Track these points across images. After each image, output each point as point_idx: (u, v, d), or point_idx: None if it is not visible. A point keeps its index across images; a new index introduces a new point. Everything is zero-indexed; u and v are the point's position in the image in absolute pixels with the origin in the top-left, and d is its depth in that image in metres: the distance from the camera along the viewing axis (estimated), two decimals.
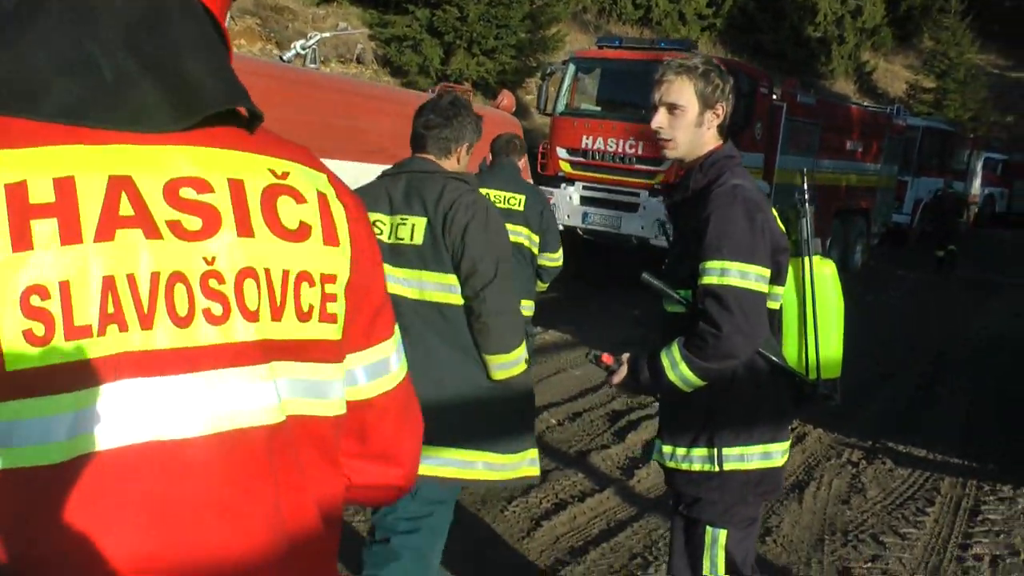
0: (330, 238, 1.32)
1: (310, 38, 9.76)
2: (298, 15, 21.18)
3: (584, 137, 14.73)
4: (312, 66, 9.78)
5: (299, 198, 1.29)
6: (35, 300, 1.07)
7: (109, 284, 1.11)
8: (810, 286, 3.18)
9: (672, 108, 3.14)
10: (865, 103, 25.69)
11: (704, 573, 3.26)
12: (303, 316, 1.27)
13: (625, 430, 7.53)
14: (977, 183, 30.74)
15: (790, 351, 3.25)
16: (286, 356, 1.26)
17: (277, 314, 1.24)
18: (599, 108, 15.62)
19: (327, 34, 11.42)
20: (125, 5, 1.19)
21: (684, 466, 3.26)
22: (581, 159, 14.74)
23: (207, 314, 1.18)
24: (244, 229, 1.22)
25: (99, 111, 1.14)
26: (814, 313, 3.16)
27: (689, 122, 3.13)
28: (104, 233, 1.12)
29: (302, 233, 1.28)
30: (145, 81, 1.17)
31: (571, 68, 15.59)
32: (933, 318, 14.35)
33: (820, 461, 7.30)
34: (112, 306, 1.11)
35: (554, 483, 6.26)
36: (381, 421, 1.47)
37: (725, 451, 3.17)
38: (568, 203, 14.67)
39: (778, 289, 3.17)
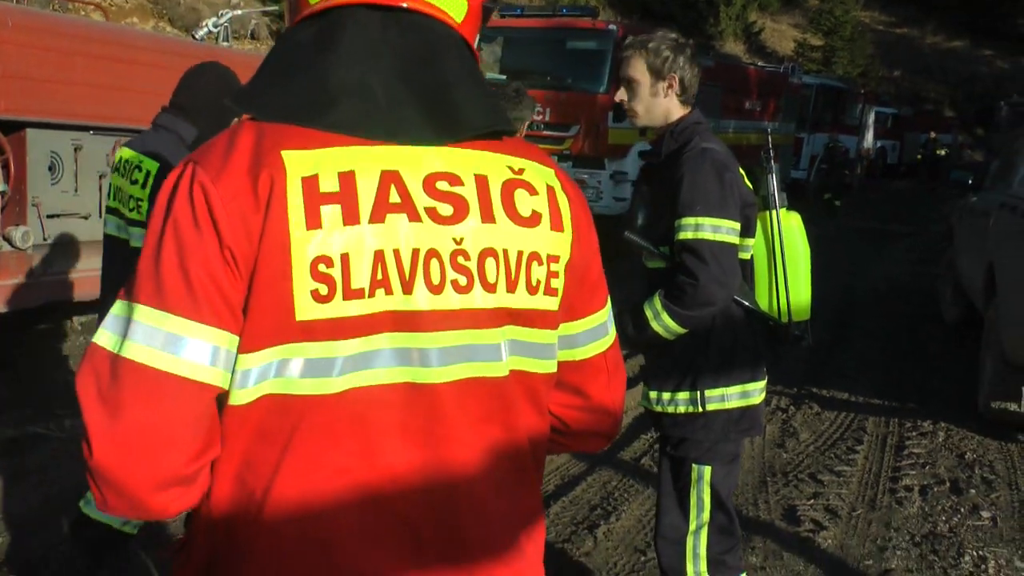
0: (556, 224, 1.57)
1: (222, 15, 9.65)
2: None
3: None
4: (225, 44, 9.70)
5: (532, 190, 1.55)
6: (322, 267, 1.36)
7: (379, 257, 1.39)
8: (778, 237, 3.45)
9: (629, 82, 3.46)
10: (757, 63, 26.18)
11: (691, 507, 3.50)
12: (532, 290, 1.53)
13: None
14: (870, 136, 31.63)
15: (762, 297, 3.52)
16: (515, 322, 1.53)
17: (512, 287, 1.50)
18: (504, 77, 15.72)
19: (239, 12, 11.29)
20: (403, 44, 1.47)
21: (670, 409, 3.48)
22: None
23: (455, 284, 1.45)
24: (487, 216, 1.49)
25: (371, 126, 1.42)
26: (783, 262, 3.44)
27: (644, 94, 3.43)
28: (377, 216, 1.40)
29: (534, 220, 1.53)
30: (411, 105, 1.45)
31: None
32: (837, 268, 14.81)
33: None
34: (380, 274, 1.39)
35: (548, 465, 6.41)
36: (596, 377, 1.74)
37: (707, 392, 3.42)
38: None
39: (749, 241, 3.45)
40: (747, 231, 3.41)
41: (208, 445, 1.38)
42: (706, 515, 3.49)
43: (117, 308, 1.38)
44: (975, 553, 5.18)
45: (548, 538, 4.99)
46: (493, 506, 1.55)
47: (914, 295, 13.16)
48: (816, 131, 26.03)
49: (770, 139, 3.47)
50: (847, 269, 14.87)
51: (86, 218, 7.00)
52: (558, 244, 1.57)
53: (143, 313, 1.34)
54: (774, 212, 3.50)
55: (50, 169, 6.68)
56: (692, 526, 3.51)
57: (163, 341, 1.33)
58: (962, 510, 5.79)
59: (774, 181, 3.50)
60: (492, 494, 1.54)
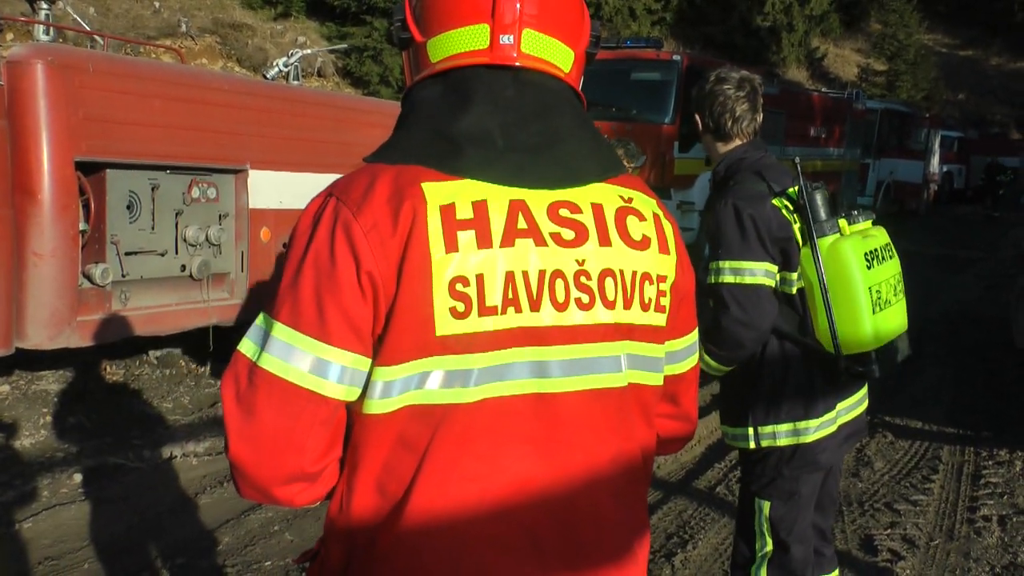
0: (663, 248, 1.72)
1: (291, 55, 9.84)
2: (256, 31, 21.21)
3: None
4: (295, 83, 9.88)
5: (640, 217, 1.70)
6: (459, 287, 1.51)
7: (510, 278, 1.54)
8: (816, 268, 3.26)
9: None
10: (821, 89, 26.03)
11: (755, 538, 3.56)
12: (645, 307, 1.68)
13: None
14: (935, 161, 31.19)
15: (819, 330, 3.34)
16: (632, 337, 1.67)
17: (628, 304, 1.65)
18: None
19: (308, 51, 11.49)
20: (519, 99, 1.63)
21: (734, 444, 3.59)
22: None
23: (578, 302, 1.59)
24: (604, 240, 1.63)
25: (493, 172, 1.58)
26: (826, 294, 3.24)
27: (701, 133, 3.62)
28: (507, 241, 1.55)
29: (644, 243, 1.69)
30: (529, 154, 1.61)
31: None
32: (909, 293, 14.61)
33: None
34: (511, 293, 1.54)
35: None
36: (689, 388, 1.92)
37: (760, 429, 3.45)
38: None
39: (791, 275, 3.36)
40: (788, 265, 3.35)
41: (330, 448, 1.56)
42: (768, 548, 3.53)
43: (260, 320, 1.56)
44: None
45: None
46: (611, 513, 1.67)
47: (985, 321, 12.95)
48: (881, 156, 25.76)
49: (799, 168, 3.34)
50: (916, 295, 14.58)
51: (163, 255, 7.16)
52: (665, 265, 1.72)
53: (280, 330, 1.52)
54: (813, 243, 3.27)
55: (128, 208, 6.84)
56: (757, 555, 3.56)
57: (295, 357, 1.50)
58: None
59: (817, 209, 3.29)
60: (611, 501, 1.66)
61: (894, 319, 3.41)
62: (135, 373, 8.12)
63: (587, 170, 1.67)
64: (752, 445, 3.47)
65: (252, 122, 7.84)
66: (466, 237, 1.52)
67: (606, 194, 1.67)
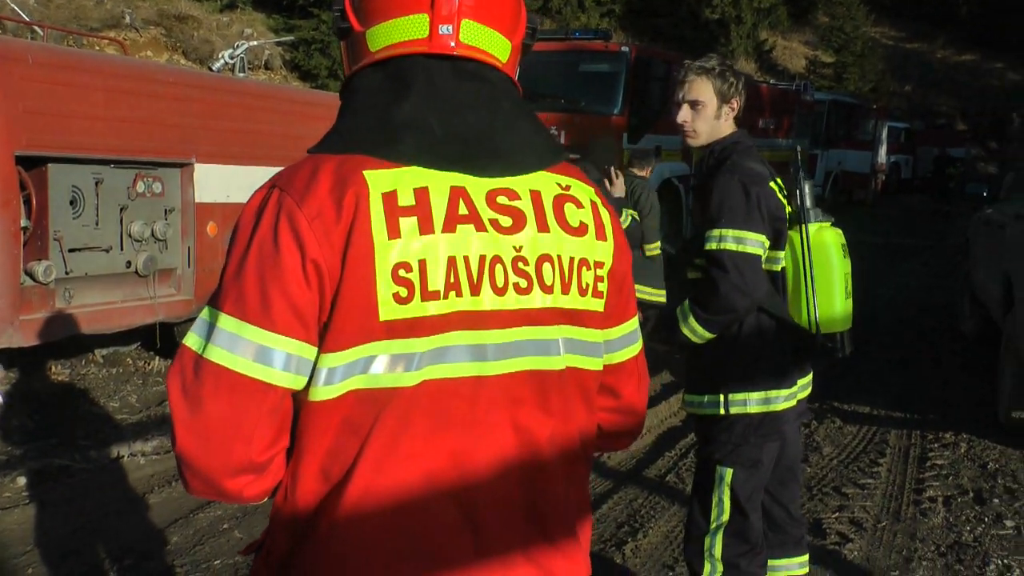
0: (600, 235, 1.76)
1: (237, 47, 9.78)
2: (202, 23, 21.01)
3: None
4: (240, 75, 9.81)
5: (578, 204, 1.74)
6: (402, 272, 1.53)
7: (452, 263, 1.57)
8: (806, 251, 3.54)
9: (694, 104, 3.62)
10: (770, 81, 26.24)
11: (712, 507, 3.64)
12: (582, 292, 1.71)
13: None
14: (883, 152, 31.56)
15: (795, 309, 3.62)
16: (570, 321, 1.70)
17: (566, 289, 1.68)
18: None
19: (254, 43, 11.41)
20: (458, 88, 1.66)
21: (699, 410, 3.69)
22: None
23: (516, 287, 1.63)
24: (542, 226, 1.67)
25: (433, 158, 1.60)
26: (811, 275, 3.54)
27: (709, 116, 3.62)
28: (449, 227, 1.57)
29: (582, 230, 1.72)
30: (467, 143, 1.63)
31: None
32: (857, 281, 14.75)
33: None
34: (453, 278, 1.57)
35: None
36: (630, 380, 1.93)
37: (731, 396, 3.58)
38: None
39: (779, 254, 3.60)
40: (777, 244, 3.56)
41: (278, 437, 1.57)
42: (725, 516, 3.61)
43: (204, 313, 1.56)
44: (1000, 562, 5.17)
45: None
46: (550, 495, 1.69)
47: (932, 308, 13.15)
48: (830, 147, 26.02)
49: (799, 155, 3.58)
50: (865, 283, 14.79)
51: (107, 251, 7.08)
52: (602, 252, 1.75)
53: (225, 321, 1.53)
54: (804, 227, 3.58)
55: (71, 203, 6.76)
56: (712, 526, 3.64)
57: (241, 347, 1.51)
58: (986, 520, 5.78)
59: (805, 197, 3.60)
60: (548, 483, 1.68)
61: (851, 309, 3.72)
62: (81, 372, 8.03)
63: (526, 158, 1.70)
64: (721, 412, 3.59)
65: (198, 115, 7.77)
66: (408, 223, 1.54)
67: (544, 182, 1.71)
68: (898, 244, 20.61)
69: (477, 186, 1.62)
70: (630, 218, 7.89)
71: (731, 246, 3.41)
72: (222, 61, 9.68)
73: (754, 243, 3.42)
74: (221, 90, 8.37)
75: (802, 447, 3.92)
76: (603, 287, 1.75)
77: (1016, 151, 11.89)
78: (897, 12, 49.88)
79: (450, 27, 1.65)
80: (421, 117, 1.61)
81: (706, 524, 3.66)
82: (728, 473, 3.60)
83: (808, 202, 3.58)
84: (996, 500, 6.11)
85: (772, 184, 3.54)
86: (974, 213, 11.48)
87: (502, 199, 1.64)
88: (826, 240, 3.60)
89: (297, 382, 1.54)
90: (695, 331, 3.53)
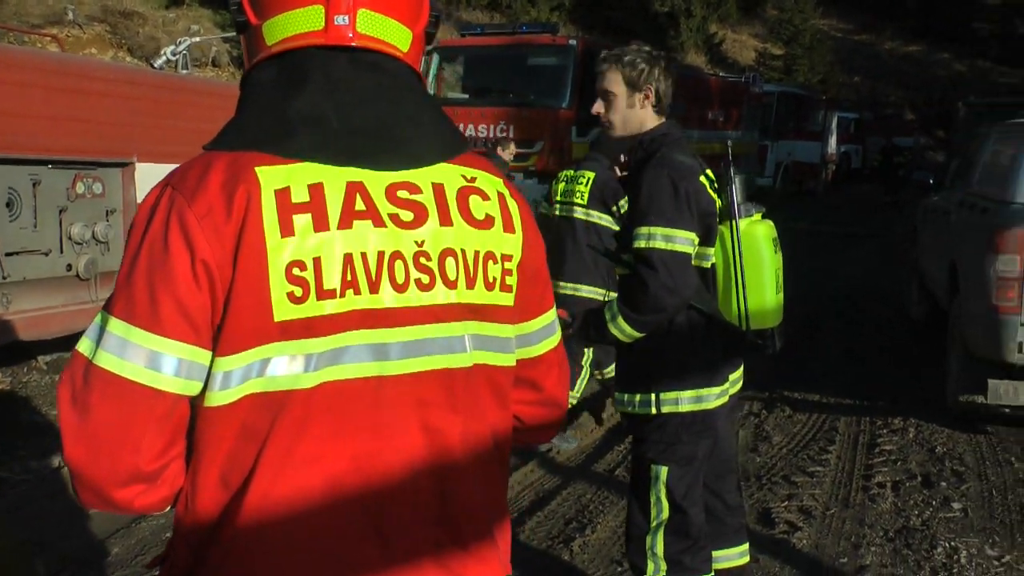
0: (508, 227, 1.71)
1: (179, 43, 9.64)
2: (148, 20, 20.76)
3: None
4: (184, 72, 9.68)
5: (484, 196, 1.69)
6: (296, 271, 1.48)
7: (348, 260, 1.52)
8: (736, 246, 3.48)
9: (605, 95, 3.56)
10: (719, 73, 26.38)
11: (651, 506, 3.60)
12: (489, 286, 1.67)
13: None
14: (833, 142, 31.84)
15: (726, 305, 3.56)
16: (476, 317, 1.65)
17: (471, 284, 1.64)
18: (467, 95, 15.76)
19: (198, 39, 11.26)
20: (356, 80, 1.62)
21: (631, 410, 3.62)
22: None
23: (418, 283, 1.58)
24: (445, 220, 1.62)
25: (330, 153, 1.55)
26: (740, 270, 3.48)
27: (621, 106, 3.54)
28: (345, 223, 1.52)
29: (487, 223, 1.68)
30: (366, 136, 1.59)
31: (436, 58, 15.64)
32: (805, 272, 14.86)
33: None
34: (350, 275, 1.52)
35: None
36: (549, 372, 1.88)
37: (662, 395, 3.53)
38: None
39: (709, 250, 3.52)
40: (707, 240, 3.49)
41: (169, 446, 1.51)
42: (664, 514, 3.58)
43: (97, 318, 1.51)
44: (947, 544, 5.20)
45: (525, 555, 4.98)
46: (462, 497, 1.64)
47: (881, 295, 13.24)
48: (779, 138, 26.21)
49: (730, 150, 3.51)
50: (815, 273, 14.93)
51: (47, 254, 6.96)
52: (510, 245, 1.71)
53: (115, 325, 1.47)
54: (734, 222, 3.53)
55: (8, 205, 6.63)
56: (652, 524, 3.60)
57: (130, 352, 1.46)
58: (934, 503, 5.83)
59: (734, 192, 3.54)
60: (460, 484, 1.64)
61: (782, 303, 3.66)
62: (22, 380, 7.87)
63: (427, 151, 1.66)
64: (653, 411, 3.55)
65: (139, 113, 7.65)
66: (302, 220, 1.50)
67: (448, 174, 1.67)
68: (848, 233, 20.75)
69: (376, 180, 1.58)
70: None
71: (660, 244, 3.32)
72: (164, 58, 9.53)
73: (683, 241, 3.35)
74: (163, 87, 8.25)
75: (750, 438, 3.88)
76: (512, 281, 1.71)
77: (962, 139, 11.98)
78: (845, 5, 50.32)
79: (346, 17, 1.62)
80: (318, 111, 1.58)
81: (646, 523, 3.63)
82: (663, 471, 3.56)
83: (738, 196, 3.52)
84: (943, 483, 6.15)
85: (702, 178, 3.47)
86: (921, 201, 11.57)
87: (403, 193, 1.60)
88: (757, 235, 3.54)
89: (189, 388, 1.49)
90: (623, 331, 3.44)
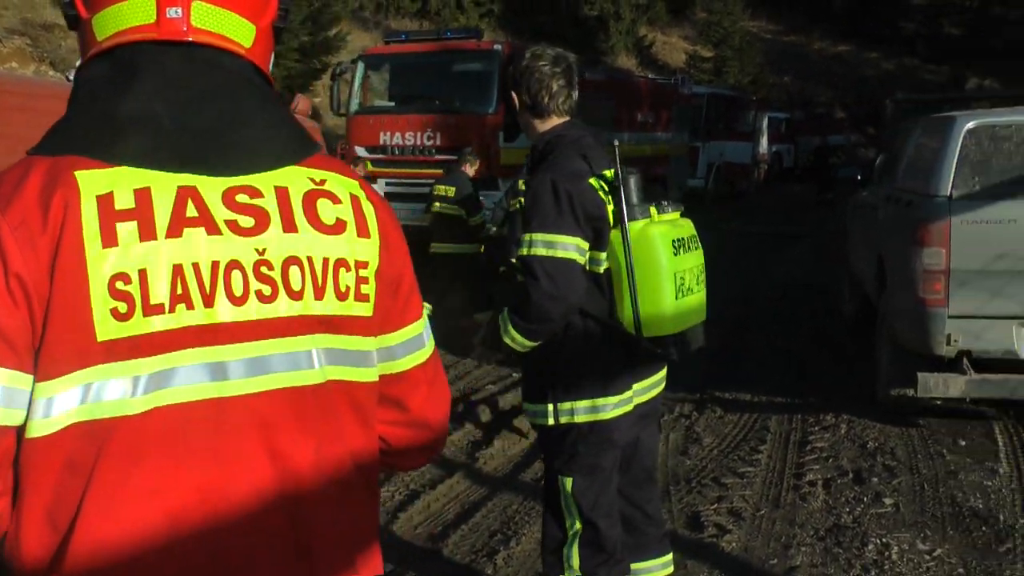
0: (363, 231, 1.58)
1: None
2: (69, 33, 20.11)
3: (381, 134, 14.61)
4: None
5: (335, 199, 1.56)
6: (119, 285, 1.34)
7: (178, 271, 1.38)
8: (624, 249, 3.28)
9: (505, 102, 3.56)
10: (650, 76, 26.48)
11: (564, 518, 3.50)
12: (341, 296, 1.53)
13: (463, 416, 7.55)
14: (764, 142, 32.09)
15: (622, 312, 3.36)
16: (328, 329, 1.52)
17: (319, 294, 1.50)
18: (393, 103, 15.57)
19: None
20: (191, 79, 1.49)
21: (534, 420, 3.52)
22: (381, 156, 14.61)
23: (259, 295, 1.45)
24: (289, 226, 1.49)
25: (160, 158, 1.42)
26: (631, 274, 3.28)
27: (518, 111, 3.53)
28: (174, 231, 1.39)
29: (338, 227, 1.55)
30: (200, 139, 1.45)
31: (361, 66, 15.44)
32: (738, 272, 14.90)
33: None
34: (180, 289, 1.38)
35: (403, 475, 6.22)
36: (415, 390, 1.72)
37: (560, 406, 3.40)
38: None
39: (600, 254, 3.35)
40: (598, 244, 3.34)
41: None
42: (577, 526, 3.46)
43: None
44: (879, 541, 5.13)
45: (447, 570, 4.83)
46: (317, 527, 1.49)
47: (813, 293, 13.26)
48: (710, 139, 26.34)
49: (617, 151, 3.33)
50: (747, 273, 14.95)
51: None
52: (365, 251, 1.58)
53: None
54: (623, 225, 3.31)
55: None
56: (566, 536, 3.50)
57: None
58: (865, 499, 5.75)
59: (630, 192, 3.34)
60: (316, 514, 1.50)
61: (694, 307, 3.47)
62: None
63: (269, 153, 1.53)
64: (551, 421, 3.43)
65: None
66: (126, 229, 1.36)
67: (294, 177, 1.54)
68: (782, 232, 20.83)
69: (211, 185, 1.44)
70: None
71: (541, 251, 3.21)
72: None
73: (567, 246, 3.22)
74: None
75: (653, 446, 3.73)
76: (368, 289, 1.57)
77: (890, 135, 12.04)
78: (773, 7, 50.84)
79: (179, 10, 1.48)
80: (148, 111, 1.44)
81: (561, 535, 3.52)
82: (568, 482, 3.45)
83: (634, 198, 3.33)
84: (875, 479, 6.09)
85: (593, 181, 3.32)
86: (850, 197, 11.60)
87: (242, 198, 1.46)
88: (650, 237, 3.31)
89: (11, 417, 1.32)
90: (515, 340, 3.34)
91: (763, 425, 7.34)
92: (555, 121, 3.47)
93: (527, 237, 3.26)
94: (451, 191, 10.50)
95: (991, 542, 5.15)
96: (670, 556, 3.80)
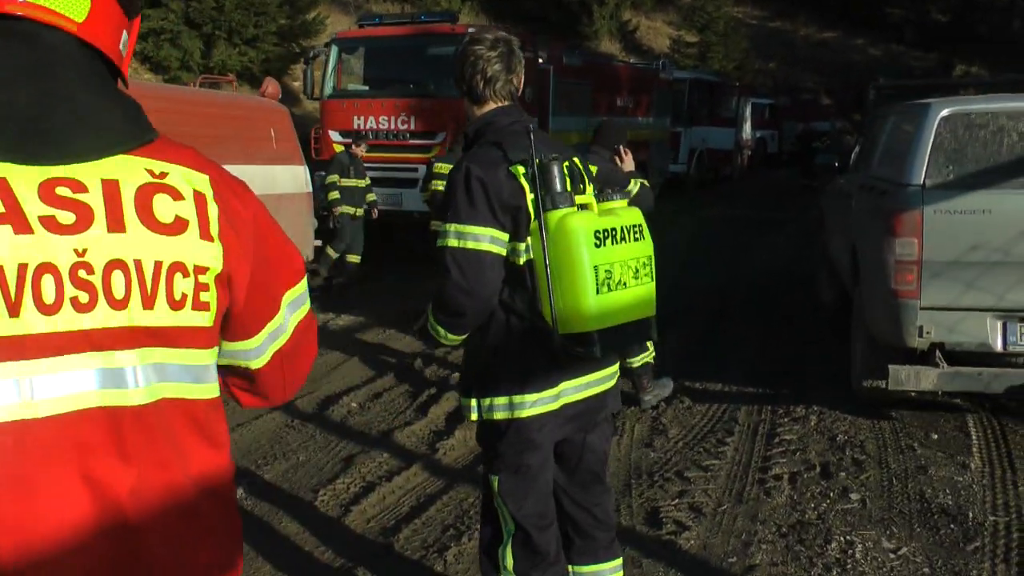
0: (205, 233, 1.41)
1: None
2: None
3: (355, 118, 14.47)
4: None
5: (176, 195, 1.39)
6: None
7: None
8: (540, 240, 3.09)
9: None
10: (630, 60, 26.30)
11: (499, 518, 3.40)
12: (176, 305, 1.36)
13: (426, 405, 7.40)
14: (748, 128, 31.94)
15: (544, 305, 3.16)
16: (157, 342, 1.35)
17: (149, 302, 1.34)
18: (367, 87, 15.38)
19: None
20: (10, 58, 1.31)
21: (467, 415, 3.37)
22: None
23: (75, 302, 1.28)
24: (115, 224, 1.33)
25: None
26: (547, 267, 3.08)
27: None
28: None
29: (177, 227, 1.38)
30: (13, 123, 1.27)
31: (334, 50, 15.29)
32: (717, 257, 14.78)
33: (620, 410, 7.29)
34: None
35: (360, 467, 6.07)
36: (267, 379, 1.62)
37: (482, 401, 3.28)
38: None
39: (520, 245, 3.18)
40: (517, 235, 3.17)
41: None
42: (510, 526, 3.34)
43: None
44: (843, 538, 4.98)
45: (396, 568, 4.67)
46: (148, 559, 1.32)
47: (792, 281, 13.12)
48: (693, 125, 26.18)
49: (533, 140, 3.13)
50: (727, 258, 14.82)
51: None
52: (207, 254, 1.42)
53: None
54: (542, 215, 3.10)
55: None
56: (501, 537, 3.39)
57: None
58: (831, 495, 5.61)
59: (552, 180, 3.12)
60: (144, 548, 1.33)
61: (627, 302, 3.20)
62: None
63: (97, 140, 1.35)
64: (474, 417, 3.32)
65: None
66: None
67: (127, 168, 1.38)
68: (763, 218, 20.68)
69: (25, 176, 1.27)
70: (639, 184, 7.56)
71: (452, 242, 3.09)
72: None
73: (478, 237, 3.07)
74: None
75: (599, 446, 3.55)
76: (209, 297, 1.41)
77: (869, 122, 11.90)
78: None
79: None
80: None
81: (496, 534, 3.40)
82: (495, 481, 3.32)
83: (557, 186, 3.11)
84: (843, 473, 5.94)
85: (516, 168, 3.13)
86: (828, 184, 11.45)
87: (63, 191, 1.30)
88: (570, 228, 3.07)
89: None
90: (438, 332, 3.26)
91: (732, 416, 7.19)
92: (491, 106, 3.32)
93: (443, 228, 3.14)
94: (448, 170, 10.28)
95: (959, 540, 5.00)
96: (619, 561, 3.64)
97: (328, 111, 14.97)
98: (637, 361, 7.03)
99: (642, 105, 20.49)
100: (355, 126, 14.39)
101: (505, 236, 3.14)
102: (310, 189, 11.51)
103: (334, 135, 14.62)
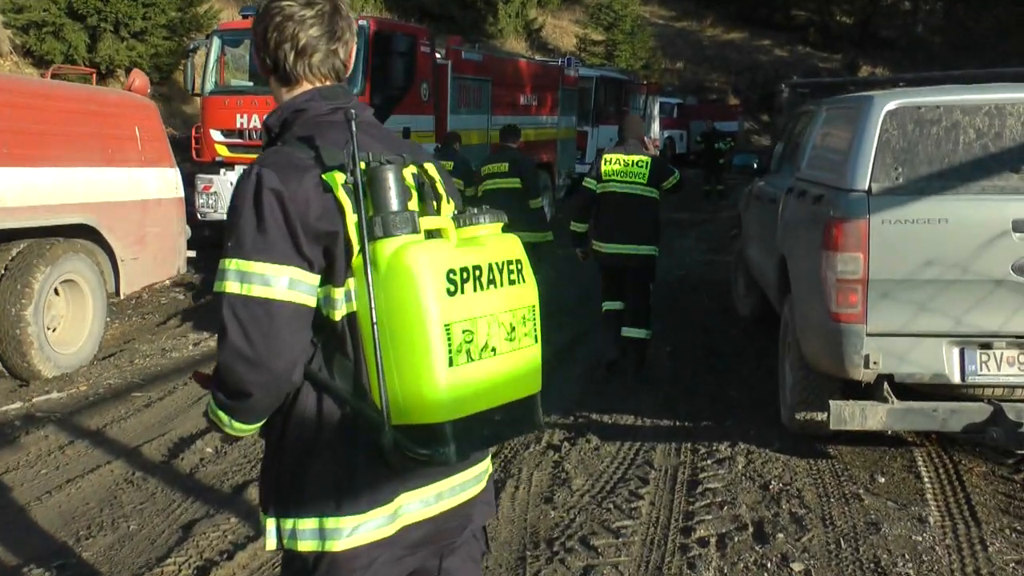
0: None
1: None
2: None
3: (239, 116, 13.25)
4: None
5: None
6: None
7: None
8: (365, 285, 2.02)
9: None
10: (534, 57, 25.41)
11: None
12: None
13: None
14: (656, 127, 31.30)
15: (371, 381, 2.08)
16: None
17: None
18: (252, 83, 14.14)
19: None
20: None
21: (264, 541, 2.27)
22: (238, 140, 13.27)
23: None
24: None
25: None
26: (374, 326, 2.00)
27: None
28: None
29: None
30: None
31: (216, 42, 14.05)
32: None
33: (518, 451, 6.22)
34: None
35: (199, 538, 4.91)
36: None
37: (282, 523, 2.18)
38: (230, 191, 13.17)
39: (336, 291, 2.11)
40: (331, 276, 2.10)
41: None
42: None
43: None
44: None
45: None
46: None
47: (706, 288, 12.24)
48: (600, 123, 25.38)
49: (353, 129, 1.99)
50: None
51: None
52: None
53: None
54: (364, 248, 2.03)
55: None
56: None
57: None
58: (769, 565, 4.62)
59: (388, 196, 2.04)
60: None
61: (497, 377, 2.10)
62: None
63: None
64: (272, 544, 2.20)
65: None
66: None
67: None
68: (671, 219, 19.84)
69: None
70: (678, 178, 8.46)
71: (231, 287, 2.03)
72: None
73: (268, 280, 2.01)
74: None
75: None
76: None
77: (785, 122, 11.21)
78: None
79: None
80: None
81: None
82: None
83: (392, 202, 2.05)
84: (781, 535, 4.94)
85: (330, 175, 2.06)
86: (745, 186, 10.56)
87: None
88: (409, 265, 1.99)
89: None
90: (221, 420, 2.17)
91: (646, 459, 6.14)
92: (305, 87, 2.28)
93: (221, 265, 2.05)
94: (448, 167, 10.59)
95: None
96: None
97: (209, 108, 13.71)
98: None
99: (547, 103, 19.60)
100: (238, 125, 13.19)
101: (314, 278, 2.07)
102: (182, 194, 10.25)
103: (215, 134, 13.40)
